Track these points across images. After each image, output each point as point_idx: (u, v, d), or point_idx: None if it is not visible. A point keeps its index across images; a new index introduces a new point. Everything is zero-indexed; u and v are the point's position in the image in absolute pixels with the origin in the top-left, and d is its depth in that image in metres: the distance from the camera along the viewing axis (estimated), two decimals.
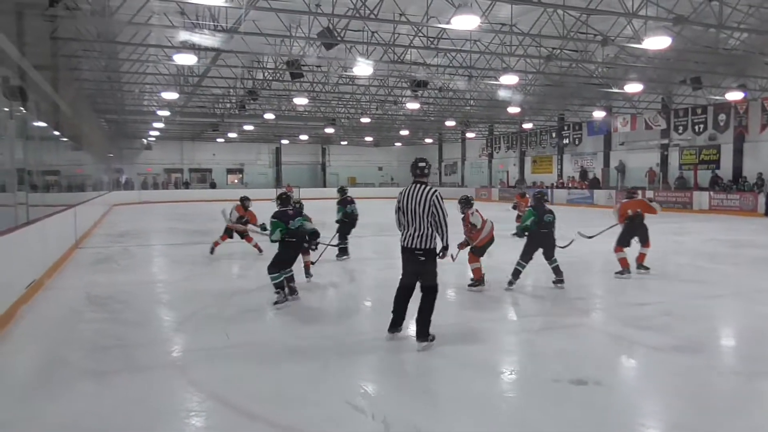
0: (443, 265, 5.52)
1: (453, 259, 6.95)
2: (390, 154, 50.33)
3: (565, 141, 33.19)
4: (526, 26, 15.31)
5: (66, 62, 16.71)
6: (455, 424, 3.70)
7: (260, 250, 10.99)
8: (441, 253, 5.29)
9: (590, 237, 9.48)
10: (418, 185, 5.27)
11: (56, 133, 14.83)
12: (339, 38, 14.90)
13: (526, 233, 7.76)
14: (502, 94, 23.26)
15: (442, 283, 5.43)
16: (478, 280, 7.70)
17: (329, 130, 35.22)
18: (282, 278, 6.95)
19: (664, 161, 27.69)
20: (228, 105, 28.74)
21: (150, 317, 6.73)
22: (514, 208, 15.27)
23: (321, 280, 8.40)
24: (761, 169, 22.92)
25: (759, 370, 4.75)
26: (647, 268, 8.80)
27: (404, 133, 39.35)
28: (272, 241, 7.01)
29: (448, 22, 12.39)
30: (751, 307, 7.07)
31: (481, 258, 7.74)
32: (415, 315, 5.23)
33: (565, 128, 33.02)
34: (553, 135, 34.01)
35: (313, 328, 6.00)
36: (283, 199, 7.32)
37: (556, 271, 7.79)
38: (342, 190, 10.99)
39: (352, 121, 33.44)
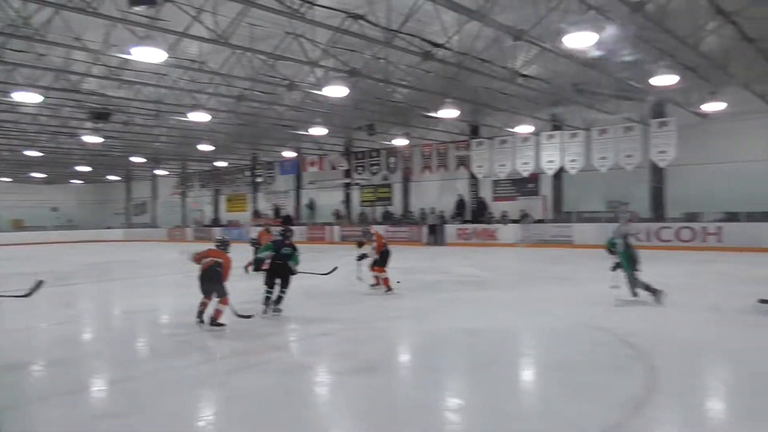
0: None
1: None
2: (67, 193, 44.69)
3: (259, 179, 34.10)
4: (216, 65, 15.30)
5: None
6: None
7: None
8: None
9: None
10: None
11: None
12: None
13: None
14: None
15: None
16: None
17: None
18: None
19: (347, 199, 30.64)
20: None
21: None
22: (360, 245, 13.53)
23: None
24: (423, 205, 27.26)
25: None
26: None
27: (84, 169, 35.37)
28: None
29: (129, 53, 11.64)
30: (420, 326, 8.07)
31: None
32: None
33: (259, 167, 33.97)
34: (246, 173, 34.66)
35: None
36: None
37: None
38: None
39: (16, 154, 28.74)
